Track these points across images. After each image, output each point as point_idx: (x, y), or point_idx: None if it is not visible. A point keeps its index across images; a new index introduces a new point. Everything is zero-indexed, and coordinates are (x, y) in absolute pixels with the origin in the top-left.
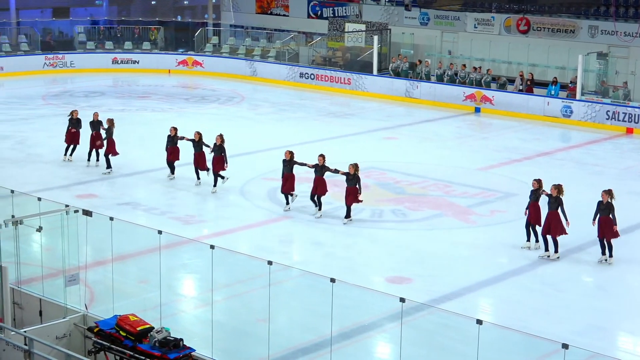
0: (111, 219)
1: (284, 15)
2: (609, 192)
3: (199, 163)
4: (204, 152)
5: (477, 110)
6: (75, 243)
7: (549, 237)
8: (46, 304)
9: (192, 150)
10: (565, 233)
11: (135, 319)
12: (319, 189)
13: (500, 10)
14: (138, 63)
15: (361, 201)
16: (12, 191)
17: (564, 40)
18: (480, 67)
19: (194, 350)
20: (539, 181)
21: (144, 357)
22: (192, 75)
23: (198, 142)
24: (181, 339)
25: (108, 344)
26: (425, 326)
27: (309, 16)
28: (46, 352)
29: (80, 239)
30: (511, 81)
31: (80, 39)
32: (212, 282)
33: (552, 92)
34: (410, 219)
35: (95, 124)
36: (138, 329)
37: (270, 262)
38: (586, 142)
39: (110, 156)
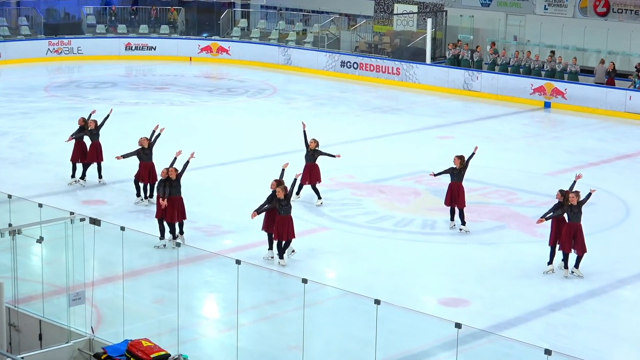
0: (122, 228)
1: None
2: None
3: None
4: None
5: (547, 105)
6: (81, 256)
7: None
8: (47, 326)
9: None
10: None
11: (149, 344)
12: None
13: None
14: (155, 49)
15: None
16: (10, 196)
17: None
18: (551, 56)
19: None
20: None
21: None
22: (217, 64)
23: None
24: None
25: None
26: (484, 356)
27: None
28: None
29: (87, 251)
30: (584, 71)
31: (89, 22)
32: (237, 302)
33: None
34: (467, 231)
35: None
36: (152, 356)
37: (305, 280)
38: None
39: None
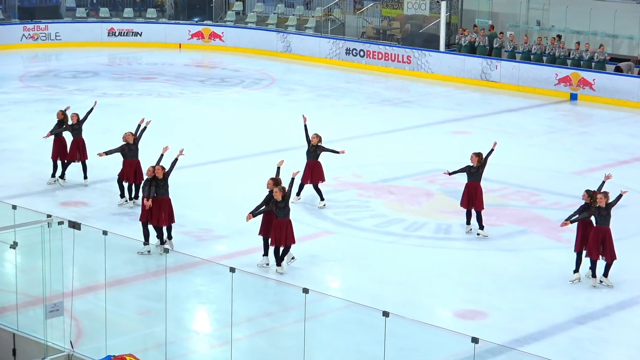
0: (104, 233)
1: None
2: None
3: None
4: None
5: (574, 97)
6: (59, 263)
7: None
8: (21, 340)
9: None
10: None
11: None
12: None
13: None
14: (141, 35)
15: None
16: None
17: None
18: (554, 39)
19: None
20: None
21: None
22: (209, 51)
23: None
24: None
25: None
26: None
27: None
28: None
29: (66, 258)
30: (615, 60)
31: (68, 5)
32: (231, 314)
33: None
34: (486, 235)
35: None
36: None
37: (306, 290)
38: None
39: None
